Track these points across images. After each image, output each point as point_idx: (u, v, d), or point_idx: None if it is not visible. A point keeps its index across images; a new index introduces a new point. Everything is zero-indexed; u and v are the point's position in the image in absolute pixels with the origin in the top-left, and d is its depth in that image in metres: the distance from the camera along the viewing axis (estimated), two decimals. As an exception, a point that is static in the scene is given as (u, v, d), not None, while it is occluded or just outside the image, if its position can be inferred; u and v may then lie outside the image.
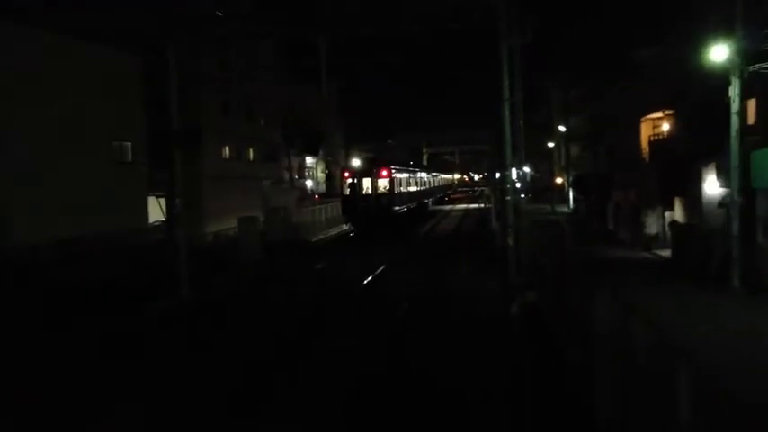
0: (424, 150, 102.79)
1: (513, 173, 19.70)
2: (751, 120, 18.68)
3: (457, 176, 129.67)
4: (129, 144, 26.69)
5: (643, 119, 29.88)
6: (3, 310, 14.99)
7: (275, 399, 10.68)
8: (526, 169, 47.95)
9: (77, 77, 23.35)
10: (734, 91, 15.19)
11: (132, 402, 10.58)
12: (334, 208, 45.69)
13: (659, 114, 28.25)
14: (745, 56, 14.92)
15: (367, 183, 42.52)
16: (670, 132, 27.05)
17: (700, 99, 20.93)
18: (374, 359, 12.65)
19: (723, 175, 17.76)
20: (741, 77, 15.05)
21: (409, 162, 66.32)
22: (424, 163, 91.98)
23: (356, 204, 40.96)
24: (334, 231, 40.23)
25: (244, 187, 38.01)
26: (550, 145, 61.13)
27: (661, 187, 24.38)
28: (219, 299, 19.75)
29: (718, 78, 16.04)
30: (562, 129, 50.98)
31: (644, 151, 29.70)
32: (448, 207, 66.46)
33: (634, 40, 28.73)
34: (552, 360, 11.19)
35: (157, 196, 27.93)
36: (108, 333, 15.07)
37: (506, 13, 17.53)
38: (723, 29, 15.55)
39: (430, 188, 66.59)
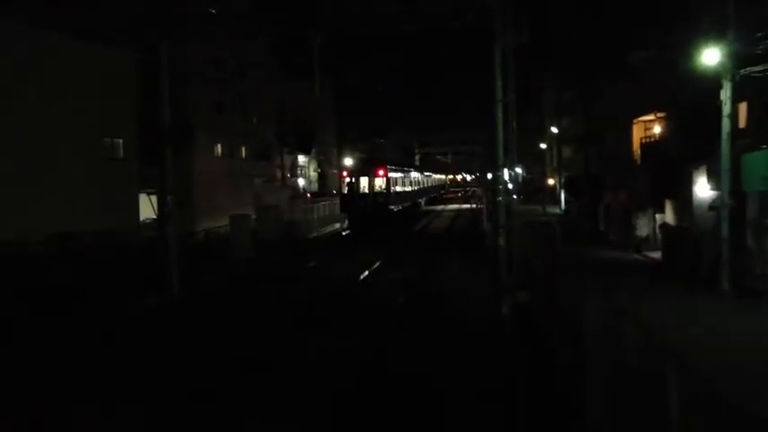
0: (417, 150, 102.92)
1: (506, 173, 19.73)
2: (742, 123, 18.78)
3: (449, 177, 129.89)
4: (121, 141, 26.61)
5: (635, 121, 29.98)
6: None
7: (261, 399, 10.62)
8: (518, 170, 48.15)
9: (69, 74, 23.26)
10: (725, 94, 15.26)
11: (91, 402, 10.40)
12: (327, 207, 45.72)
13: (651, 117, 28.36)
14: (737, 59, 14.99)
15: (364, 182, 43.06)
16: (662, 135, 27.16)
17: (691, 102, 21.02)
18: (366, 358, 12.65)
19: (714, 178, 17.85)
20: (733, 80, 15.13)
21: (402, 162, 66.39)
22: (417, 163, 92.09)
23: (354, 202, 41.76)
24: (327, 230, 40.22)
25: (236, 185, 37.99)
26: (543, 146, 61.25)
27: (652, 189, 24.48)
28: (210, 297, 19.70)
29: (710, 81, 16.12)
30: (554, 130, 51.09)
31: (635, 153, 29.81)
32: (440, 207, 66.52)
33: (628, 43, 28.82)
34: (543, 361, 11.21)
35: (149, 193, 27.86)
36: (93, 330, 14.99)
37: (501, 14, 17.55)
38: (715, 32, 15.63)
39: (423, 188, 67.01)
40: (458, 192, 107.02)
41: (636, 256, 23.09)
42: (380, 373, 11.86)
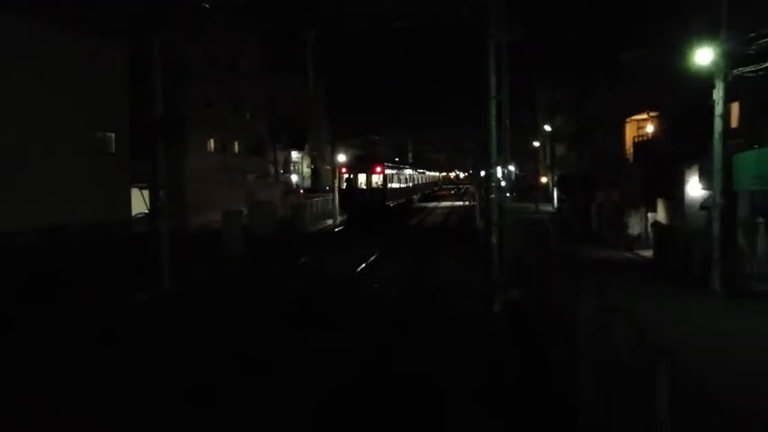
0: (410, 147, 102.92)
1: (499, 171, 19.74)
2: (734, 123, 18.85)
3: (442, 174, 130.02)
4: (113, 135, 26.47)
5: (628, 120, 30.07)
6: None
7: (250, 398, 10.58)
8: (511, 168, 48.28)
9: (60, 67, 23.11)
10: (718, 94, 15.31)
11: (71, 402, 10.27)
12: (320, 203, 45.71)
13: (644, 116, 28.46)
14: (730, 59, 15.04)
15: (362, 178, 44.07)
16: (654, 134, 27.26)
17: (684, 102, 21.10)
18: (359, 356, 12.64)
19: (705, 178, 17.92)
20: (725, 80, 15.18)
21: (395, 159, 66.55)
22: (410, 160, 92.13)
23: (353, 198, 43.23)
24: (320, 226, 40.20)
25: (229, 180, 37.89)
26: (536, 144, 61.40)
27: (644, 188, 24.57)
28: (201, 292, 19.64)
29: (703, 81, 16.17)
30: (548, 128, 51.20)
31: (628, 152, 29.91)
32: (432, 204, 66.60)
33: (621, 42, 28.89)
34: (536, 359, 11.23)
35: (141, 187, 27.75)
36: (82, 325, 14.92)
37: (495, 11, 17.55)
38: (708, 32, 15.68)
39: (417, 184, 67.44)
40: (451, 189, 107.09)
41: (627, 254, 23.18)
42: (374, 370, 11.83)
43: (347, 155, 54.43)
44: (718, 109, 15.35)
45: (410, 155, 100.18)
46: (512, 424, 9.24)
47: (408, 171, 61.20)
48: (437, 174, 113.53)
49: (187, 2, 19.58)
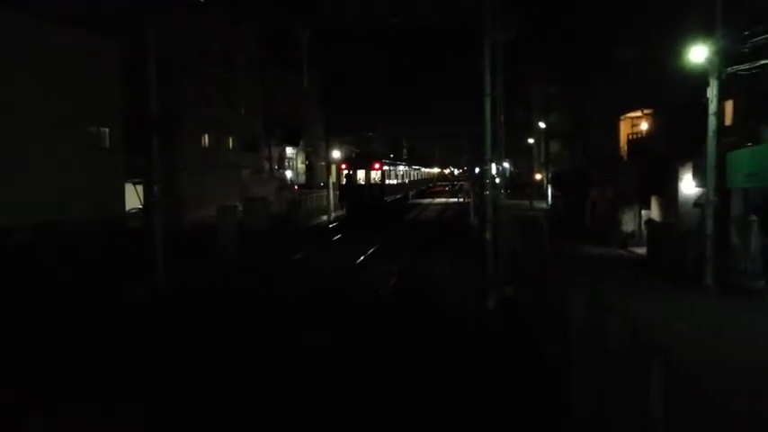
0: (404, 144, 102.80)
1: (493, 168, 19.76)
2: (728, 121, 18.91)
3: (437, 170, 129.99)
4: (107, 130, 26.38)
5: (622, 117, 30.10)
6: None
7: (239, 392, 10.58)
8: (506, 165, 48.31)
9: (54, 62, 23.00)
10: (712, 92, 15.34)
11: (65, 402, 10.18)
12: (315, 199, 45.77)
13: (638, 113, 28.49)
14: (724, 57, 15.07)
15: (360, 174, 46.00)
16: (648, 131, 27.31)
17: (678, 99, 21.13)
18: (351, 349, 12.66)
19: (699, 175, 17.97)
20: (719, 78, 15.20)
21: (390, 155, 66.71)
22: (405, 156, 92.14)
23: (352, 193, 44.70)
24: (314, 222, 40.21)
25: (223, 176, 37.83)
26: (531, 141, 61.45)
27: (638, 185, 24.62)
28: (195, 287, 19.60)
29: (697, 79, 16.20)
30: (542, 125, 51.23)
31: (622, 149, 29.95)
32: (427, 201, 66.66)
33: (615, 40, 28.91)
34: (529, 355, 11.25)
35: (135, 183, 27.66)
36: (75, 320, 14.88)
37: (491, 10, 17.55)
38: (703, 29, 15.70)
39: (413, 181, 67.87)
40: (445, 186, 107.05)
41: (621, 251, 23.24)
42: (366, 366, 11.83)
43: (342, 151, 54.57)
44: (712, 107, 15.38)
45: (404, 151, 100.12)
46: (506, 421, 9.26)
47: (403, 167, 61.53)
48: (432, 170, 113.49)
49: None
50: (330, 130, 56.36)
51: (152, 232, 19.14)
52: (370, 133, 73.51)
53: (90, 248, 20.72)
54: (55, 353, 12.53)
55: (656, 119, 26.15)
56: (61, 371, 11.48)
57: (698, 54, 15.37)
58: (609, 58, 29.78)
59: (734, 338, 11.27)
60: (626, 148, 29.46)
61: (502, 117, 19.00)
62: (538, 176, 56.59)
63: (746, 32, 14.40)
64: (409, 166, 69.45)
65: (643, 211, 24.43)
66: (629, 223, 24.85)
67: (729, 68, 15.03)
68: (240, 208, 31.37)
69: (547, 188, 47.25)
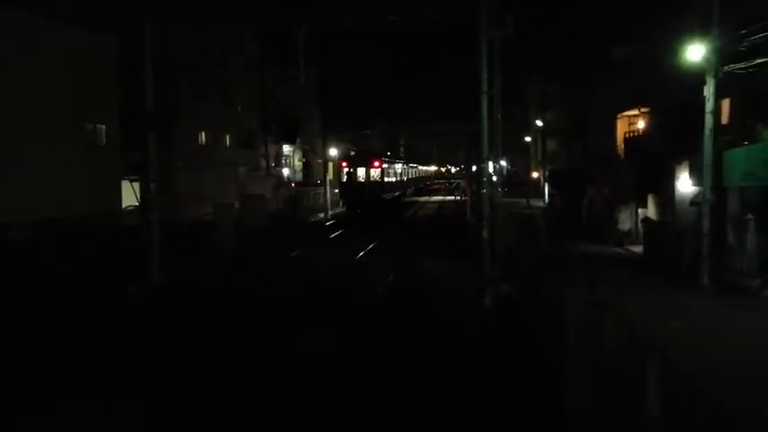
0: (402, 142, 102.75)
1: (490, 166, 19.75)
2: (725, 119, 18.92)
3: (434, 168, 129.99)
4: (104, 127, 26.34)
5: (619, 116, 30.12)
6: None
7: (235, 390, 10.57)
8: (503, 163, 48.35)
9: (51, 58, 22.94)
10: (709, 90, 15.36)
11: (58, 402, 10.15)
12: (312, 196, 45.78)
13: (635, 112, 28.50)
14: (721, 56, 15.08)
15: (361, 172, 46.79)
16: (645, 130, 27.33)
17: (675, 98, 21.15)
18: (351, 348, 12.65)
19: (696, 174, 17.99)
20: (716, 77, 15.22)
21: (387, 153, 66.90)
22: (402, 154, 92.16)
23: (354, 190, 45.74)
24: (312, 219, 40.18)
25: (220, 173, 37.78)
26: (528, 139, 61.44)
27: (635, 183, 24.64)
28: (192, 285, 19.57)
29: (694, 78, 16.22)
30: (539, 123, 51.25)
31: (619, 148, 29.97)
32: (424, 198, 66.71)
33: (613, 38, 28.93)
34: (528, 354, 11.26)
35: (131, 180, 27.60)
36: (71, 317, 14.85)
37: (487, 7, 17.54)
38: (700, 28, 15.71)
39: (410, 178, 68.31)
40: (442, 183, 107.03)
41: (618, 249, 23.26)
42: (366, 365, 11.80)
43: (339, 149, 54.68)
44: (709, 105, 15.41)
45: (402, 149, 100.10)
46: (505, 420, 9.25)
47: (401, 165, 61.80)
48: (429, 168, 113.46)
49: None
50: (328, 127, 56.36)
51: (149, 230, 19.11)
52: (367, 131, 73.49)
53: (86, 245, 20.68)
54: (53, 352, 12.50)
55: (652, 117, 26.17)
56: (61, 371, 11.44)
57: (695, 53, 15.39)
58: (606, 57, 29.81)
59: (730, 337, 11.30)
60: (623, 146, 29.48)
61: (499, 115, 18.98)
62: (535, 174, 56.61)
63: (743, 31, 14.41)
64: (407, 164, 69.71)
65: (640, 210, 24.46)
66: (625, 221, 24.87)
67: (726, 67, 15.06)
68: (237, 205, 31.34)
69: (544, 186, 47.29)
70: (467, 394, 10.20)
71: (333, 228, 36.05)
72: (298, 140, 57.49)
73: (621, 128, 30.18)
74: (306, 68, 46.13)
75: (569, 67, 39.20)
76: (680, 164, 20.47)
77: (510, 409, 9.50)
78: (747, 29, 14.31)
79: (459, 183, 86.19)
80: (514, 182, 65.00)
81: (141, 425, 9.35)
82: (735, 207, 16.73)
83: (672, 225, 19.42)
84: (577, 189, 31.83)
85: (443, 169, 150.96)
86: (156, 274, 18.90)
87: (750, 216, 15.56)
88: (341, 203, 48.50)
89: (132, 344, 13.11)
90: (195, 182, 34.15)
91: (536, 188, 51.30)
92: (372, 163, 47.07)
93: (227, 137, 42.07)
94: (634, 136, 28.49)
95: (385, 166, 48.43)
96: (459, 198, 57.69)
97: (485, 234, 18.05)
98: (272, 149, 50.55)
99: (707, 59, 15.19)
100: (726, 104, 18.81)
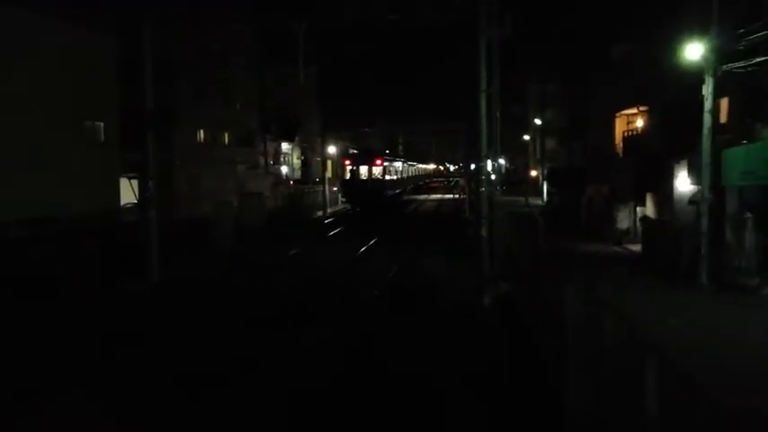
0: (400, 140, 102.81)
1: (489, 164, 19.76)
2: (723, 118, 18.94)
3: (432, 167, 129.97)
4: (102, 125, 26.31)
5: (618, 114, 30.13)
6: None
7: (234, 389, 10.58)
8: (501, 161, 48.32)
9: (50, 56, 22.91)
10: (707, 89, 15.38)
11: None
12: (311, 194, 45.79)
13: (634, 110, 28.51)
14: (720, 55, 15.10)
15: (363, 170, 47.48)
16: (644, 128, 27.34)
17: (674, 97, 21.17)
18: (350, 345, 12.67)
19: (694, 173, 18.01)
20: (715, 76, 15.24)
21: (386, 151, 66.99)
22: (401, 152, 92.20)
23: (356, 187, 46.58)
24: (313, 216, 40.20)
25: (219, 171, 37.74)
26: (526, 138, 61.45)
27: (633, 182, 24.66)
28: (190, 283, 19.58)
29: (693, 77, 16.23)
30: (538, 122, 51.27)
31: (618, 146, 29.98)
32: (423, 196, 66.72)
33: (612, 37, 28.94)
34: (527, 352, 11.28)
35: (130, 177, 27.60)
36: (69, 316, 14.86)
37: (486, 7, 17.56)
38: (699, 27, 15.73)
39: (410, 176, 68.63)
40: (441, 181, 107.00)
41: (616, 248, 23.29)
42: (366, 365, 11.81)
43: (338, 147, 54.77)
44: (708, 104, 15.42)
45: (400, 147, 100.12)
46: (505, 420, 9.27)
47: (400, 164, 62.00)
48: (428, 166, 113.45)
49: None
50: (327, 126, 56.37)
51: (148, 228, 19.11)
52: (366, 129, 73.51)
53: (84, 243, 20.67)
54: (52, 352, 12.50)
55: (651, 116, 26.19)
56: (61, 371, 11.45)
57: (693, 52, 15.41)
58: (606, 56, 29.82)
59: (729, 335, 11.33)
60: (622, 145, 29.50)
61: (498, 114, 19.01)
62: (533, 173, 56.63)
63: (742, 30, 14.43)
64: (406, 162, 69.86)
65: (638, 208, 24.49)
66: (624, 220, 24.90)
67: (725, 66, 15.08)
68: (236, 203, 31.34)
69: (542, 185, 47.31)
70: (466, 393, 10.21)
71: (331, 226, 36.07)
72: (296, 138, 57.51)
73: (620, 127, 30.20)
74: (305, 67, 46.07)
75: (569, 67, 39.19)
76: (679, 163, 20.49)
77: (509, 408, 9.52)
78: (746, 28, 14.33)
79: (457, 181, 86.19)
80: (513, 180, 65.01)
81: (141, 425, 9.35)
82: (733, 206, 16.76)
83: (670, 224, 19.45)
84: (576, 188, 31.85)
85: (442, 167, 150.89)
86: (155, 273, 18.91)
87: (748, 215, 15.59)
88: (340, 201, 48.71)
89: (132, 343, 13.11)
90: (194, 180, 34.14)
91: (535, 187, 51.33)
92: (374, 161, 47.83)
93: (226, 135, 42.06)
94: (632, 135, 28.50)
95: (386, 164, 48.90)
96: (457, 196, 57.72)
97: (484, 232, 18.07)
98: (270, 147, 50.54)
99: (706, 58, 15.20)
100: (724, 103, 18.83)
